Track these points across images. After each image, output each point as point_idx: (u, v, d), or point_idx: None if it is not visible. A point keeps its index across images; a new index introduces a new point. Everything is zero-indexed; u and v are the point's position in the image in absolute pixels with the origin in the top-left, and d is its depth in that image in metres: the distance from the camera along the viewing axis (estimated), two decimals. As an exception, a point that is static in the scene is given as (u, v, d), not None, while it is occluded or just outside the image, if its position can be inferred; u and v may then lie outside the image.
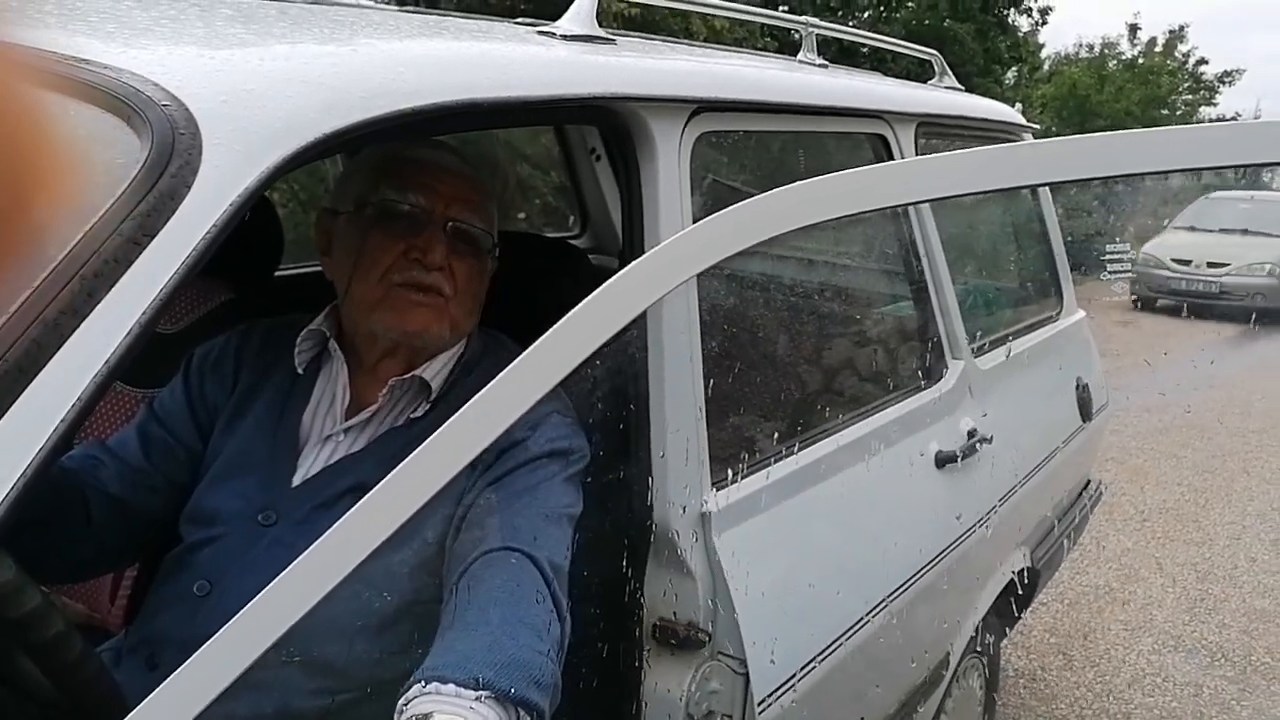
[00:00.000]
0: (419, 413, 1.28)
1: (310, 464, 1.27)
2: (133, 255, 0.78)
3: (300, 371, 1.32)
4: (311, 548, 0.69)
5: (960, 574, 2.01)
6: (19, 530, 0.72)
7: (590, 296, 0.71)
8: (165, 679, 1.13)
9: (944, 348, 2.07)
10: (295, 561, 0.68)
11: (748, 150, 1.69)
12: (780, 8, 12.40)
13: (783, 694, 1.44)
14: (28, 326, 0.72)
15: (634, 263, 0.73)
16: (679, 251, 0.74)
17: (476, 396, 0.71)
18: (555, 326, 0.71)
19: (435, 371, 1.29)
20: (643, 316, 1.34)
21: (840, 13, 13.99)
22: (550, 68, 1.17)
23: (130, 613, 1.70)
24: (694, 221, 1.41)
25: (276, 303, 1.65)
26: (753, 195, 0.73)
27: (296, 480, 1.25)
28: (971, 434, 2.05)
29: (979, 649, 2.38)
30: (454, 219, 1.27)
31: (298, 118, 0.87)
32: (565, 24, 1.35)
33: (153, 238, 0.79)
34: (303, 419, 1.31)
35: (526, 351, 0.71)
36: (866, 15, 15.40)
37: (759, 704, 1.40)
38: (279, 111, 0.88)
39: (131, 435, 1.35)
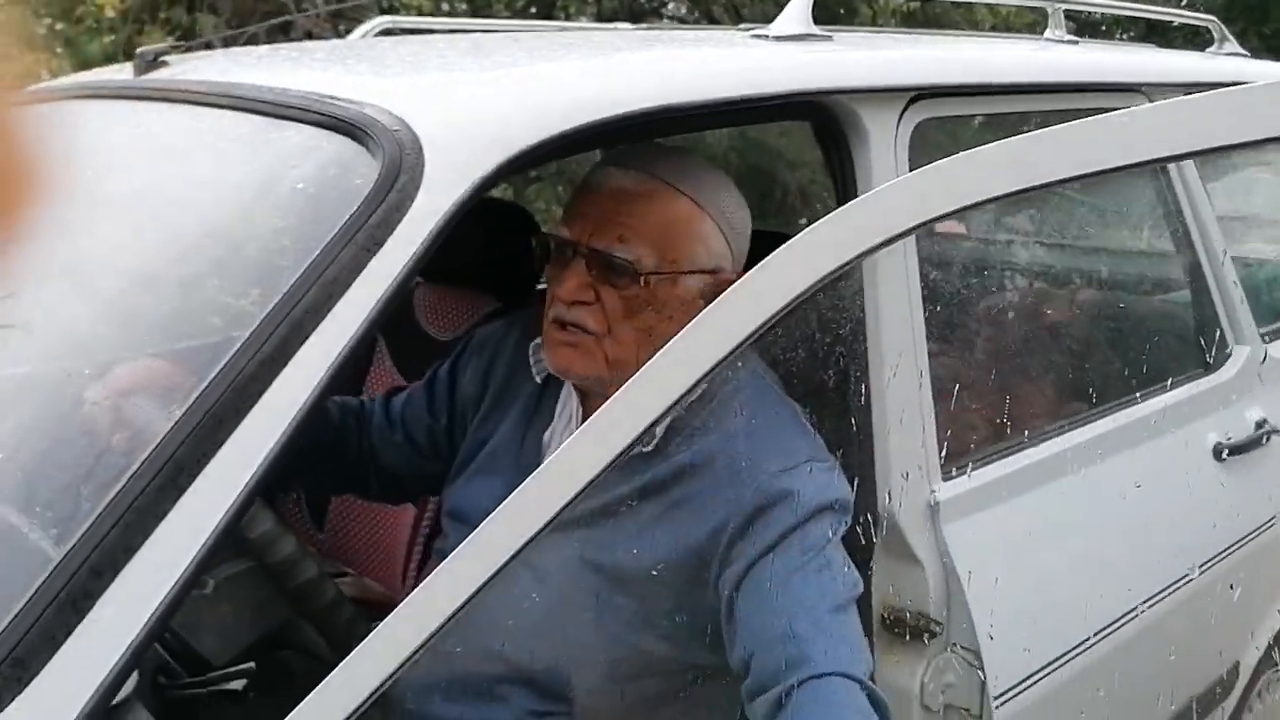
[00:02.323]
0: (650, 447, 1.23)
1: None
2: (364, 261, 0.90)
3: (539, 380, 1.35)
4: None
5: (1249, 576, 1.85)
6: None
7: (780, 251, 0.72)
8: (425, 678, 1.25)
9: (1224, 332, 1.91)
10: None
11: (982, 136, 1.65)
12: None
13: (1022, 691, 1.39)
14: (278, 324, 0.86)
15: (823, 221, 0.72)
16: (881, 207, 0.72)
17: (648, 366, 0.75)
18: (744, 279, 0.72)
19: None
20: (860, 298, 1.35)
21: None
22: (752, 68, 1.21)
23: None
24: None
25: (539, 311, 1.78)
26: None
27: None
28: (1260, 425, 1.88)
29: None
30: (593, 246, 1.19)
31: (505, 131, 0.97)
32: (779, 25, 1.38)
33: (381, 245, 0.91)
34: (544, 433, 1.34)
35: (708, 309, 0.73)
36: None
37: (996, 699, 1.36)
38: (489, 127, 0.98)
39: (399, 404, 1.51)
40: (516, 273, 2.14)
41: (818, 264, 0.70)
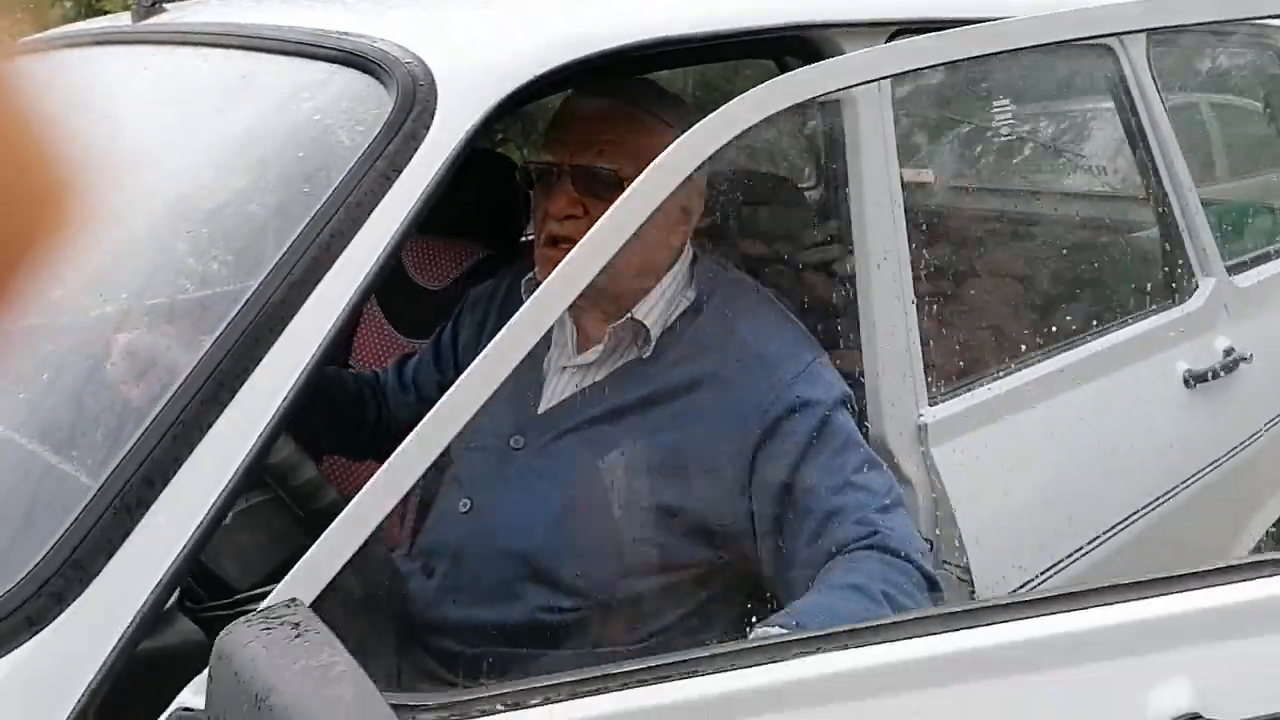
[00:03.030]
0: (646, 353, 1.33)
1: (552, 393, 1.38)
2: (385, 188, 0.94)
3: None
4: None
5: (1223, 496, 1.93)
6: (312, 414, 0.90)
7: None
8: (440, 584, 1.32)
9: (1191, 264, 1.98)
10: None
11: (961, 73, 1.69)
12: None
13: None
14: (308, 247, 0.90)
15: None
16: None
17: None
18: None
19: (649, 312, 1.34)
20: (847, 228, 1.40)
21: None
22: (734, 4, 1.25)
23: (414, 534, 1.94)
24: (898, 155, 1.45)
25: (528, 260, 1.82)
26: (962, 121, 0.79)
27: (542, 408, 1.37)
28: (1229, 353, 1.95)
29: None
30: (576, 163, 1.28)
31: (513, 63, 1.01)
32: (765, -37, 1.41)
33: (400, 171, 0.95)
34: (544, 361, 1.40)
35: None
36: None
37: (985, 611, 1.43)
38: (499, 59, 1.02)
39: (410, 368, 1.61)
40: (503, 221, 2.18)
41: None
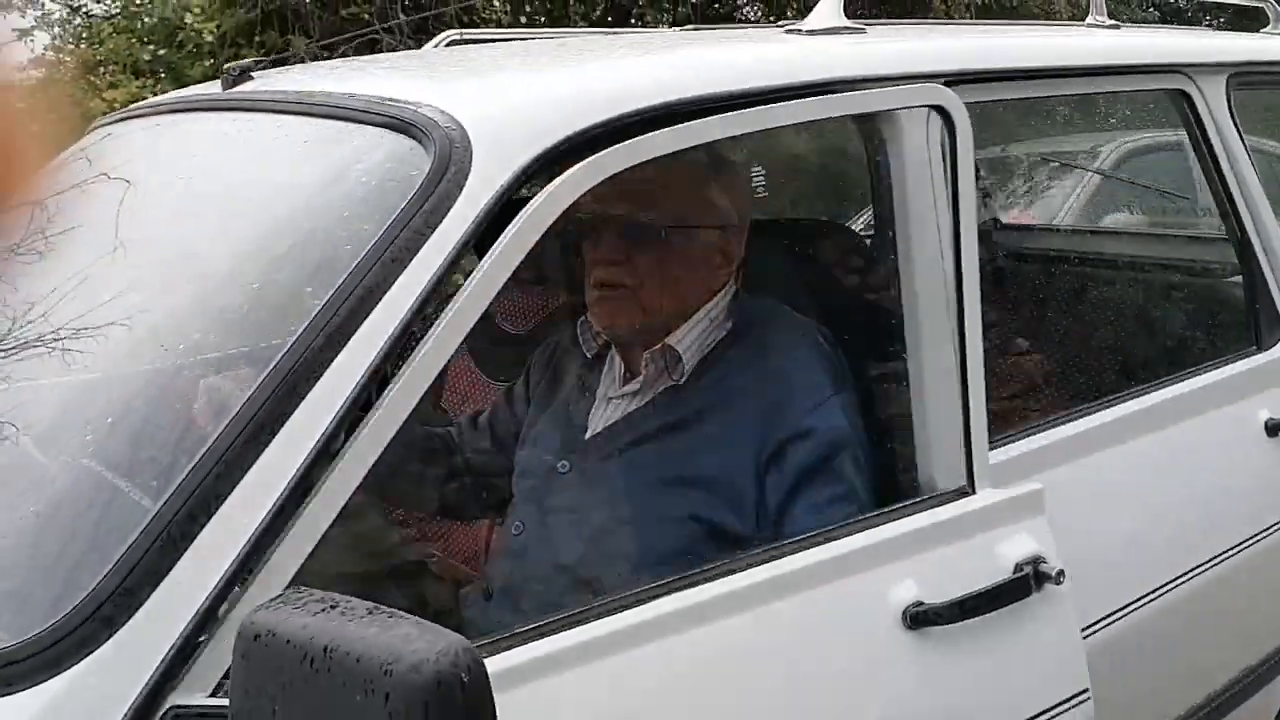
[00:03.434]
0: (680, 380, 1.44)
1: (598, 421, 1.49)
2: (420, 243, 1.01)
3: (589, 356, 1.55)
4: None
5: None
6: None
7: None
8: (496, 604, 1.41)
9: (1277, 310, 1.92)
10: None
11: (1019, 121, 1.70)
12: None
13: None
14: (345, 300, 0.98)
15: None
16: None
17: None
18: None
19: (682, 339, 1.44)
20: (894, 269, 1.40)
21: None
22: (780, 60, 1.29)
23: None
24: (951, 200, 1.45)
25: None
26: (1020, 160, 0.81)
27: (588, 434, 1.48)
28: (1317, 400, 1.89)
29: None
30: (619, 213, 1.39)
31: (543, 124, 1.08)
32: (812, 20, 1.46)
33: (435, 228, 1.02)
34: (597, 391, 1.53)
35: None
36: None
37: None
38: (530, 122, 1.08)
39: (486, 415, 1.72)
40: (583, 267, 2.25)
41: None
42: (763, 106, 1.14)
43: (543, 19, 6.69)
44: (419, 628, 0.74)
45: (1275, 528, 1.78)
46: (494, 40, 1.94)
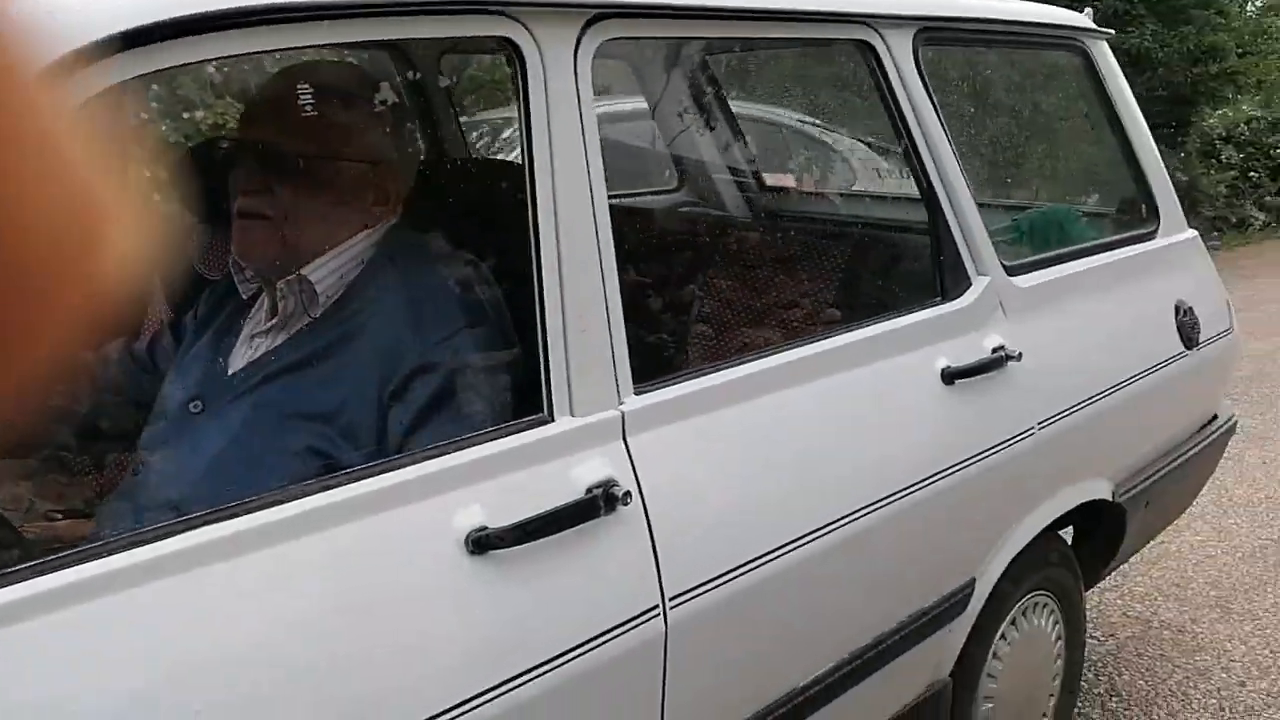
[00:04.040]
0: (316, 314, 1.42)
1: (239, 360, 1.46)
2: None
3: (245, 297, 1.52)
4: None
5: (979, 498, 1.91)
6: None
7: None
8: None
9: (963, 262, 1.97)
10: None
11: (686, 62, 1.70)
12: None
13: (703, 593, 1.43)
14: None
15: None
16: None
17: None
18: None
19: (317, 271, 1.42)
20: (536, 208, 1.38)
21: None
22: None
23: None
24: (599, 145, 1.43)
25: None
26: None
27: (229, 373, 1.46)
28: (996, 350, 1.95)
29: (1047, 586, 2.25)
30: (261, 140, 1.39)
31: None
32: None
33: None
34: (242, 325, 1.51)
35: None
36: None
37: (671, 600, 1.40)
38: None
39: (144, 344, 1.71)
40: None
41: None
42: (314, 22, 1.09)
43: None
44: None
45: (947, 472, 1.82)
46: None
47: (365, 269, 1.45)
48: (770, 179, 2.79)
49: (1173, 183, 2.57)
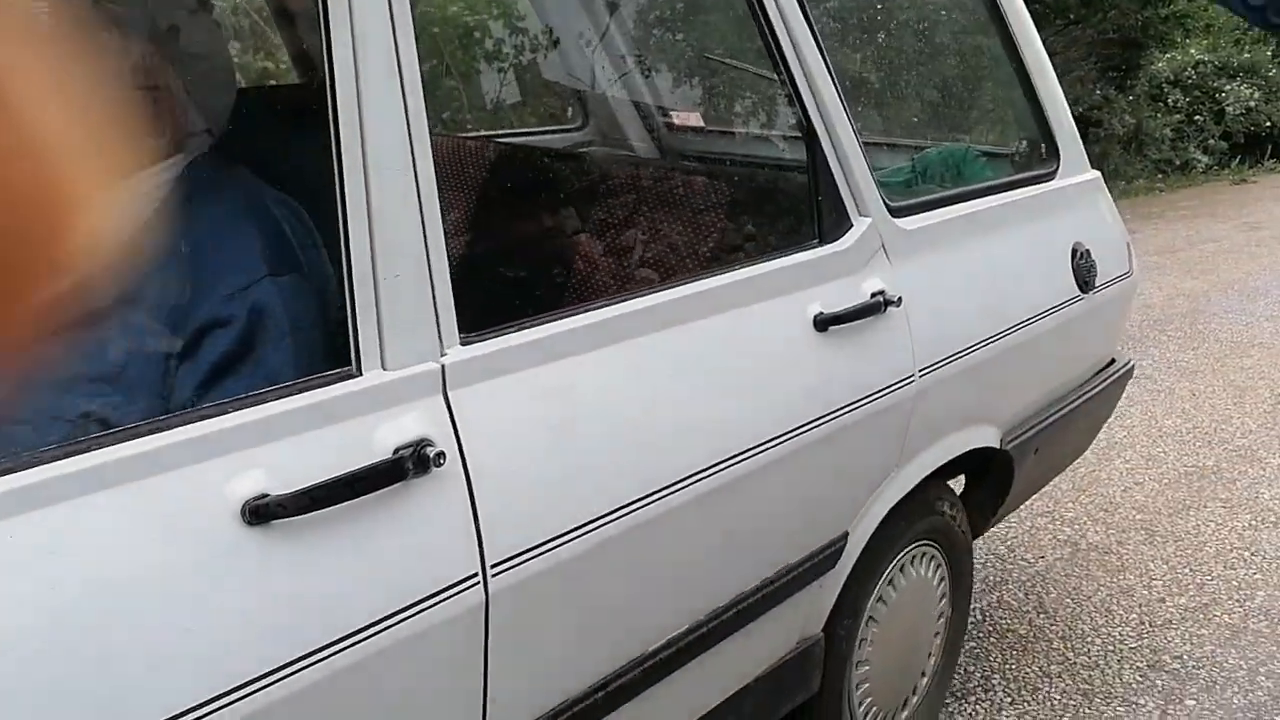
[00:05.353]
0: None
1: None
2: None
3: None
4: None
5: (851, 449, 1.84)
6: None
7: None
8: None
9: (843, 203, 1.88)
10: None
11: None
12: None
13: (528, 560, 1.34)
14: None
15: None
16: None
17: None
18: None
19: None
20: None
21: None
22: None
23: None
24: (416, 57, 1.30)
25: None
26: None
27: None
28: (875, 295, 1.86)
29: (932, 536, 2.20)
30: None
31: None
32: None
33: None
34: None
35: None
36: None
37: (493, 567, 1.31)
38: None
39: None
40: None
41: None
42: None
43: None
44: None
45: (815, 423, 1.75)
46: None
47: (154, 213, 1.32)
48: (677, 118, 2.67)
49: (1120, 125, 2.50)
